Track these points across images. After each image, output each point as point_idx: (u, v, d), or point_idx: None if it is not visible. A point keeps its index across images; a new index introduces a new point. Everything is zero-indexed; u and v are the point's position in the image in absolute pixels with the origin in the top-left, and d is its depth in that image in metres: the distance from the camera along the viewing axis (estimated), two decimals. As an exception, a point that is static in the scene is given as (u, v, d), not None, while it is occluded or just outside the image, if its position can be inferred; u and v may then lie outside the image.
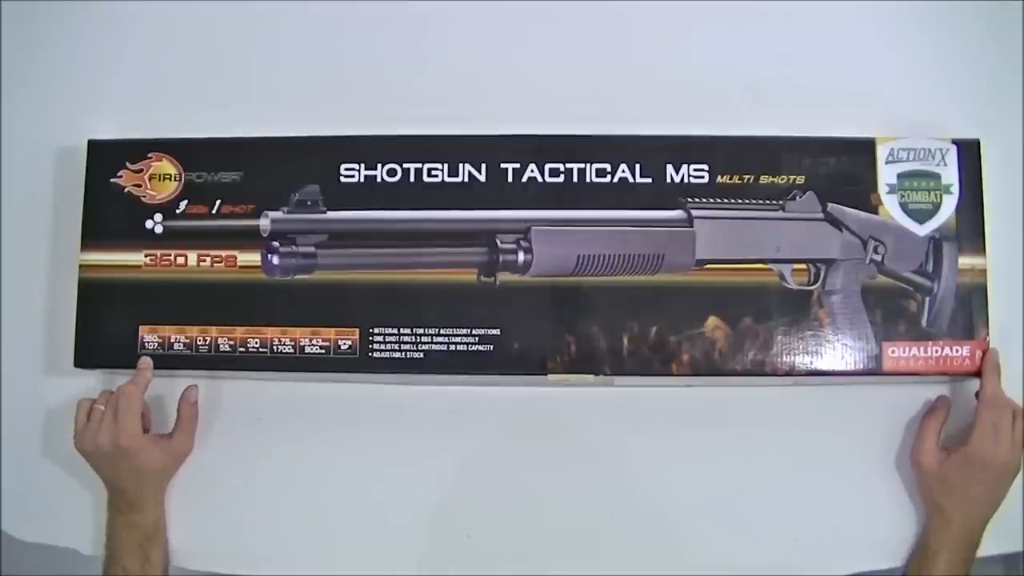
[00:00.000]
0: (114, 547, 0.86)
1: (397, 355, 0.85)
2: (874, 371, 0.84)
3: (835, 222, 0.86)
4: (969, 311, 0.84)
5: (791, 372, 0.84)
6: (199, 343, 0.87)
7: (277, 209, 0.86)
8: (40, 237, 0.93)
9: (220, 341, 0.87)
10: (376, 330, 0.86)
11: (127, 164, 0.89)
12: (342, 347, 0.86)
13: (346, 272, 0.86)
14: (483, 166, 0.87)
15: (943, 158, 0.86)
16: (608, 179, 0.86)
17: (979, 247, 0.85)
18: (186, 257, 0.87)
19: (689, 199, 0.86)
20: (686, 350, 0.84)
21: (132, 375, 0.86)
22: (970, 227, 0.85)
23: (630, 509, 0.89)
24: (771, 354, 0.84)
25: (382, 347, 0.86)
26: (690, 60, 0.93)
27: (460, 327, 0.85)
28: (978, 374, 0.83)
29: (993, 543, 0.84)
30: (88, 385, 0.90)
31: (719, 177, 0.86)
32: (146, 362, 0.86)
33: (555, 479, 0.90)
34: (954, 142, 0.86)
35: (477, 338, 0.85)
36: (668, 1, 0.93)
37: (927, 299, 0.85)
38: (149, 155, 0.89)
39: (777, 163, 0.86)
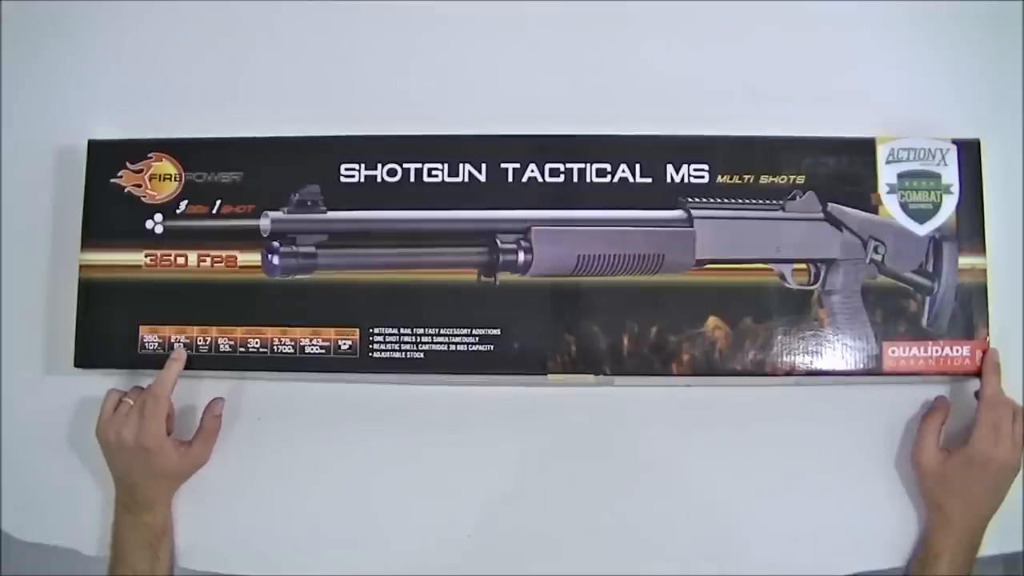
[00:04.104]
0: (121, 547, 0.86)
1: (397, 355, 0.85)
2: (874, 371, 0.84)
3: (835, 222, 0.86)
4: (969, 311, 0.84)
5: (791, 372, 0.84)
6: (199, 343, 0.87)
7: (277, 209, 0.86)
8: (40, 237, 0.93)
9: (220, 341, 0.87)
10: (376, 330, 0.86)
11: (127, 164, 0.89)
12: (342, 347, 0.86)
13: (346, 272, 0.86)
14: (483, 166, 0.87)
15: (943, 158, 0.86)
16: (608, 179, 0.86)
17: (979, 247, 0.85)
18: (186, 257, 0.87)
19: (689, 199, 0.86)
20: (686, 350, 0.84)
21: (162, 371, 0.85)
22: (970, 227, 0.85)
23: (629, 509, 0.89)
24: (771, 354, 0.84)
25: (382, 347, 0.86)
26: (690, 60, 0.93)
27: (460, 327, 0.85)
28: (978, 374, 0.83)
29: (993, 543, 0.84)
30: (88, 385, 0.90)
31: (719, 177, 0.86)
32: (180, 353, 0.86)
33: (555, 479, 0.90)
34: (954, 142, 0.86)
35: (477, 338, 0.85)
36: (668, 1, 0.93)
37: (927, 299, 0.85)
38: (149, 155, 0.89)
39: (777, 163, 0.86)
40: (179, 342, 0.86)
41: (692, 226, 0.85)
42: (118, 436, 0.84)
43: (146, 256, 0.88)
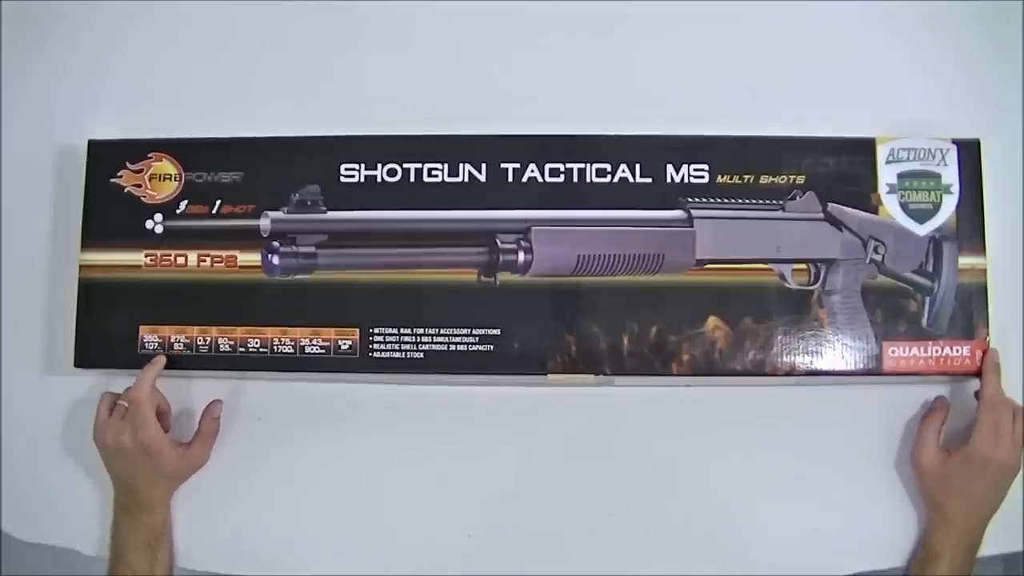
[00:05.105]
0: (121, 548, 0.86)
1: (397, 355, 0.85)
2: (874, 371, 0.84)
3: (835, 222, 0.86)
4: (969, 311, 0.84)
5: (791, 372, 0.84)
6: (199, 343, 0.87)
7: (277, 209, 0.86)
8: (40, 237, 0.93)
9: (220, 341, 0.87)
10: (376, 330, 0.86)
11: (127, 164, 0.89)
12: (342, 347, 0.86)
13: (346, 272, 0.86)
14: (483, 166, 0.87)
15: (943, 158, 0.86)
16: (608, 179, 0.86)
17: (979, 247, 0.85)
18: (186, 257, 0.87)
19: (689, 199, 0.86)
20: (686, 350, 0.84)
21: (138, 375, 0.85)
22: (970, 227, 0.85)
23: (629, 509, 0.89)
24: (771, 354, 0.84)
25: (382, 347, 0.86)
26: (690, 60, 0.93)
27: (460, 327, 0.85)
28: (978, 374, 0.83)
29: (993, 543, 0.84)
30: (88, 385, 0.90)
31: (719, 177, 0.86)
32: (159, 359, 0.86)
33: (555, 479, 0.90)
34: (954, 142, 0.86)
35: (477, 338, 0.85)
36: (668, 1, 0.93)
37: (927, 299, 0.85)
38: (149, 155, 0.89)
39: (777, 163, 0.86)
40: (178, 342, 0.86)
41: (692, 226, 0.85)
42: (117, 439, 0.84)
43: (146, 256, 0.88)
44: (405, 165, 0.87)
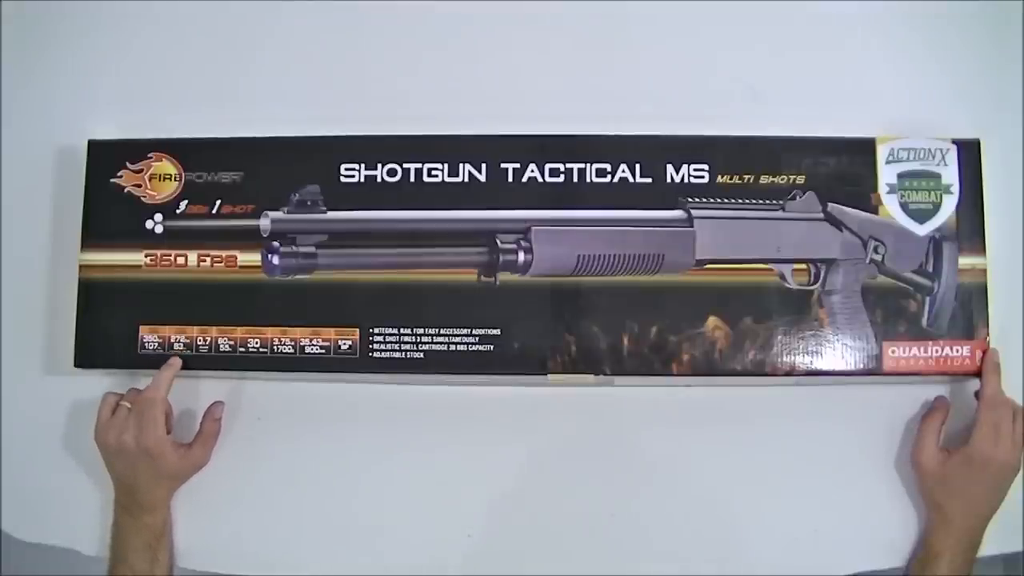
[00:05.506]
0: (121, 548, 0.86)
1: (397, 355, 0.85)
2: (874, 371, 0.84)
3: (835, 222, 0.86)
4: (969, 311, 0.84)
5: (791, 372, 0.84)
6: (199, 343, 0.87)
7: (277, 209, 0.86)
8: (40, 237, 0.93)
9: (220, 341, 0.87)
10: (376, 330, 0.86)
11: (127, 164, 0.89)
12: (342, 347, 0.86)
13: (346, 272, 0.86)
14: (483, 166, 0.87)
15: (943, 158, 0.86)
16: (608, 179, 0.86)
17: (979, 247, 0.85)
18: (186, 257, 0.87)
19: (689, 199, 0.86)
20: (686, 350, 0.84)
21: (155, 375, 0.85)
22: (970, 227, 0.85)
23: (629, 509, 0.89)
24: (771, 354, 0.84)
25: (382, 347, 0.86)
26: (690, 60, 0.93)
27: (460, 327, 0.85)
28: (978, 374, 0.83)
29: (993, 543, 0.84)
30: (88, 385, 0.90)
31: (719, 177, 0.86)
32: (175, 361, 0.86)
33: (555, 479, 0.90)
34: (954, 142, 0.86)
35: (477, 338, 0.85)
36: (668, 1, 0.93)
37: (927, 299, 0.85)
38: (149, 155, 0.89)
39: (777, 163, 0.86)
40: (178, 342, 0.86)
41: (692, 226, 0.85)
42: (119, 440, 0.84)
43: (146, 256, 0.88)
44: (405, 165, 0.87)
